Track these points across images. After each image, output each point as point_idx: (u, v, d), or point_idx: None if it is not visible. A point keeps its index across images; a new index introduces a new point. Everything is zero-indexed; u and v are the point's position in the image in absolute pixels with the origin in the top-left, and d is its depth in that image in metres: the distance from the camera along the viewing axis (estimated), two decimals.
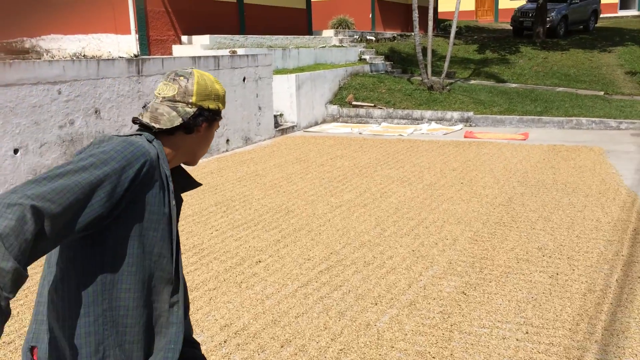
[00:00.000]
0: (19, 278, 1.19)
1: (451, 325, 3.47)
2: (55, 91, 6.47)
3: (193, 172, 7.86)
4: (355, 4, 20.20)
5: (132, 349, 1.54)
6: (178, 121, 1.58)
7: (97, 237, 1.45)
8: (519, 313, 3.59)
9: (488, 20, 31.61)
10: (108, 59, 7.27)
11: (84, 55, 8.72)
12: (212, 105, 1.64)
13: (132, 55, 9.76)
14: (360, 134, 10.82)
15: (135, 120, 1.61)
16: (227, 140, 9.36)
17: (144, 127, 1.61)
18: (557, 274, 4.15)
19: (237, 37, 12.36)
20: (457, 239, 4.96)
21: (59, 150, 6.53)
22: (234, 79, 9.40)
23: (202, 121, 1.62)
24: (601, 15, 24.45)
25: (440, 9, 28.50)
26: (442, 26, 24.79)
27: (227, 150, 9.36)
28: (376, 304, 3.78)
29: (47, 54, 10.85)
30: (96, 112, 6.97)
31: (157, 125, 1.57)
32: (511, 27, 22.31)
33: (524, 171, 7.39)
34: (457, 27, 15.33)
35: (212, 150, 9.01)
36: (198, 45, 11.57)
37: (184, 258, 4.69)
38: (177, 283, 1.61)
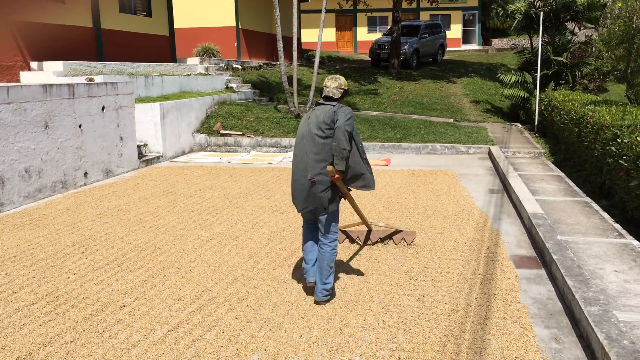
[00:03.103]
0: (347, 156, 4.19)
1: (329, 352, 3.47)
2: None
3: (51, 206, 7.19)
4: (220, 32, 20.15)
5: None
6: (339, 95, 4.28)
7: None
8: (391, 339, 3.69)
9: (348, 52, 33.23)
10: None
11: None
12: (347, 88, 4.34)
13: None
14: (229, 163, 10.69)
15: (326, 95, 4.27)
16: (85, 174, 8.72)
17: (327, 98, 4.28)
18: (424, 297, 4.35)
19: (94, 63, 11.68)
20: None
21: None
22: (91, 108, 8.82)
23: (346, 94, 4.33)
24: (447, 49, 26.81)
25: (303, 40, 29.43)
26: (306, 56, 25.56)
27: (84, 185, 8.72)
28: (251, 343, 3.67)
29: None
30: None
31: (334, 97, 4.26)
32: (369, 59, 23.63)
33: (388, 196, 7.74)
34: (320, 57, 15.89)
35: (68, 184, 8.33)
36: (50, 72, 10.74)
37: (35, 308, 4.23)
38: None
